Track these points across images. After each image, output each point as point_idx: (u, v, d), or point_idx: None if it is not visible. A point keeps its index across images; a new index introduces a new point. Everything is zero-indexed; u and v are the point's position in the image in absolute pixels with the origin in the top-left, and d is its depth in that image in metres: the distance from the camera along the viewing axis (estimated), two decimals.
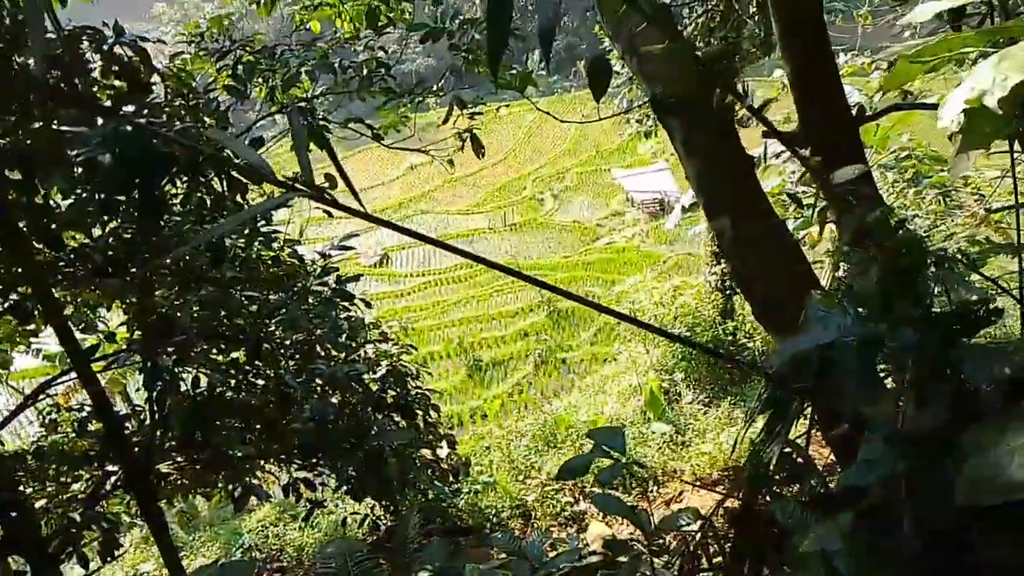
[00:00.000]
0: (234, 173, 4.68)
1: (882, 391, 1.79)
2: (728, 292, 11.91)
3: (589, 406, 12.15)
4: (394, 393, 6.69)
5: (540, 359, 16.70)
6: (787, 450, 2.40)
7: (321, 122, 4.88)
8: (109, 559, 5.09)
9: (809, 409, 2.12)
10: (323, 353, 6.00)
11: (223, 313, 5.40)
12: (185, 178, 4.74)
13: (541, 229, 30.13)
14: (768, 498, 2.49)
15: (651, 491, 8.71)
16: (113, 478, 5.31)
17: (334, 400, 5.29)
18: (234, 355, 5.67)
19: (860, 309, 1.70)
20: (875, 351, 1.63)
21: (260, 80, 4.92)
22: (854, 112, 3.87)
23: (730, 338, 11.45)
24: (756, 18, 8.14)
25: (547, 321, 19.07)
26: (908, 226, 1.67)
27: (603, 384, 13.45)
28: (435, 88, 5.10)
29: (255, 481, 6.57)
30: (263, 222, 4.79)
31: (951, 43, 1.24)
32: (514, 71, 5.42)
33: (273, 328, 5.64)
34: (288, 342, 5.82)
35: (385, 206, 34.43)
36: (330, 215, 5.73)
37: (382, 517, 8.47)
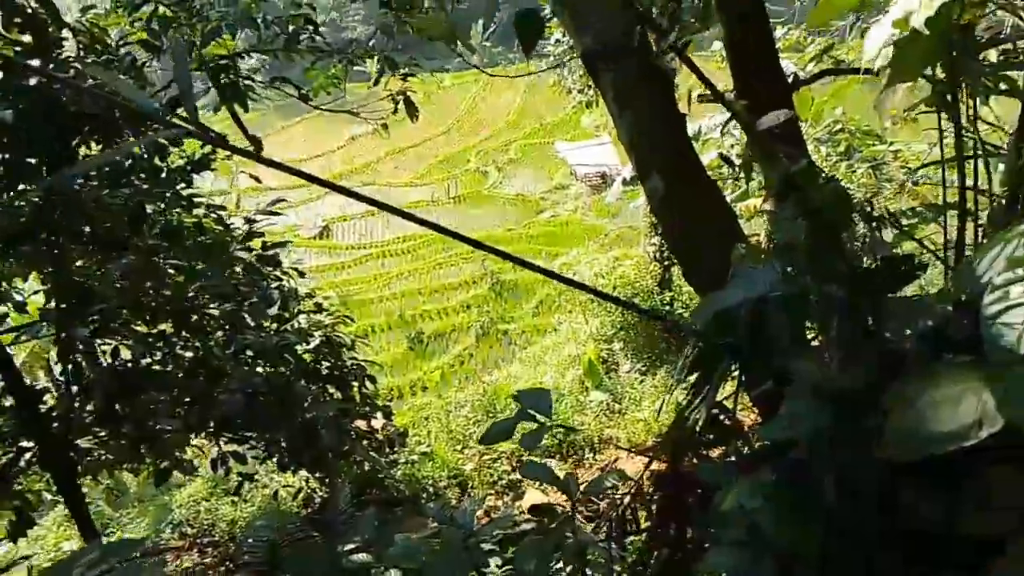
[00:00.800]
0: (150, 133, 4.43)
1: (808, 348, 1.77)
2: (666, 263, 12.04)
3: (529, 376, 12.18)
4: (328, 364, 6.54)
5: (482, 331, 16.65)
6: (714, 411, 2.38)
7: (245, 81, 4.64)
8: (21, 537, 4.88)
9: (736, 371, 2.10)
10: (253, 324, 5.81)
11: (148, 284, 5.17)
12: (99, 139, 4.46)
13: (485, 202, 29.92)
14: (695, 460, 2.48)
15: (587, 458, 8.81)
16: (28, 455, 5.07)
17: (260, 371, 5.10)
18: (161, 326, 5.47)
19: (787, 266, 1.67)
20: (802, 307, 1.60)
21: (178, 35, 4.63)
22: (789, 81, 3.87)
23: (667, 308, 11.59)
24: None
25: (489, 293, 19.00)
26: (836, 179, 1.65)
27: (543, 355, 13.50)
28: (367, 49, 4.88)
29: (186, 455, 6.38)
30: (183, 185, 4.55)
31: None
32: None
33: (198, 297, 5.42)
34: (216, 312, 5.62)
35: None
36: (258, 180, 5.49)
37: (317, 489, 8.35)
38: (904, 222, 2.09)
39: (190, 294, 5.25)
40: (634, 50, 2.28)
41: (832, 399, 1.40)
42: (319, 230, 26.89)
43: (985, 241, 1.76)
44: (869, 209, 1.59)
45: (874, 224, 1.69)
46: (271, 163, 2.10)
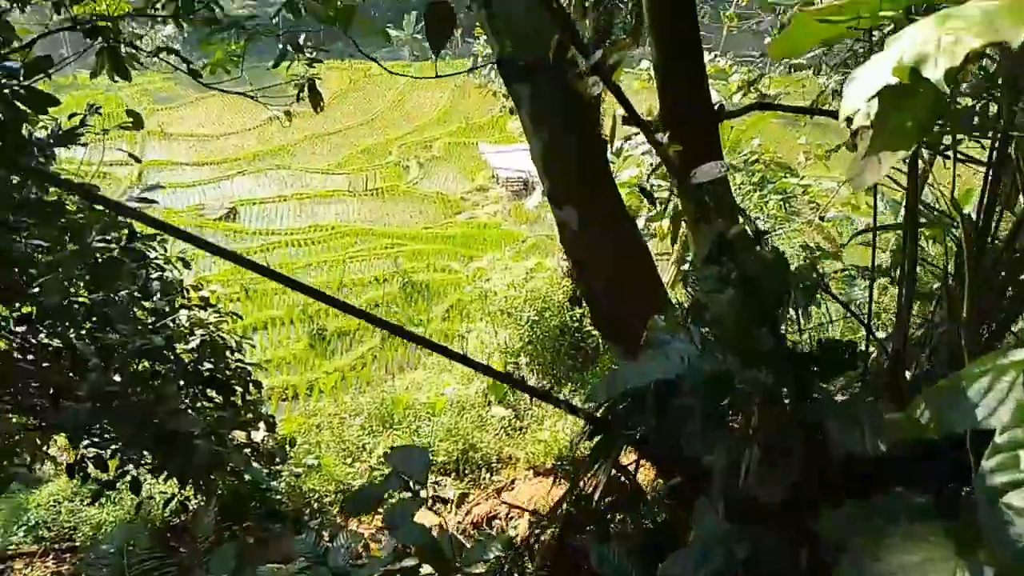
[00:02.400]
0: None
1: (723, 439, 1.52)
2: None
3: (431, 386, 11.81)
4: (210, 366, 6.01)
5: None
6: (614, 473, 2.13)
7: (127, 48, 4.12)
8: None
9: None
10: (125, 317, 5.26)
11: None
12: None
13: (404, 197, 29.22)
14: (589, 527, 2.22)
15: (484, 478, 8.50)
16: None
17: (117, 377, 4.58)
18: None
19: (708, 339, 1.41)
20: (722, 392, 1.34)
21: None
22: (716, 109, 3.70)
23: (576, 324, 11.48)
24: (629, 5, 8.03)
25: (400, 293, 18.49)
26: (772, 241, 1.41)
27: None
28: (268, 27, 4.41)
29: (48, 452, 5.77)
30: (39, 156, 3.97)
31: (870, 1, 0.94)
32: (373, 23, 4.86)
33: (62, 279, 4.85)
34: (86, 301, 5.07)
35: (238, 156, 32.11)
36: (137, 160, 4.97)
37: (191, 498, 7.72)
38: (833, 287, 1.89)
39: (64, 282, 4.70)
40: (553, 66, 1.99)
41: (749, 521, 1.14)
42: (225, 212, 25.59)
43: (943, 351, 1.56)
44: (815, 278, 1.34)
45: (811, 295, 1.45)
46: (113, 205, 1.62)
